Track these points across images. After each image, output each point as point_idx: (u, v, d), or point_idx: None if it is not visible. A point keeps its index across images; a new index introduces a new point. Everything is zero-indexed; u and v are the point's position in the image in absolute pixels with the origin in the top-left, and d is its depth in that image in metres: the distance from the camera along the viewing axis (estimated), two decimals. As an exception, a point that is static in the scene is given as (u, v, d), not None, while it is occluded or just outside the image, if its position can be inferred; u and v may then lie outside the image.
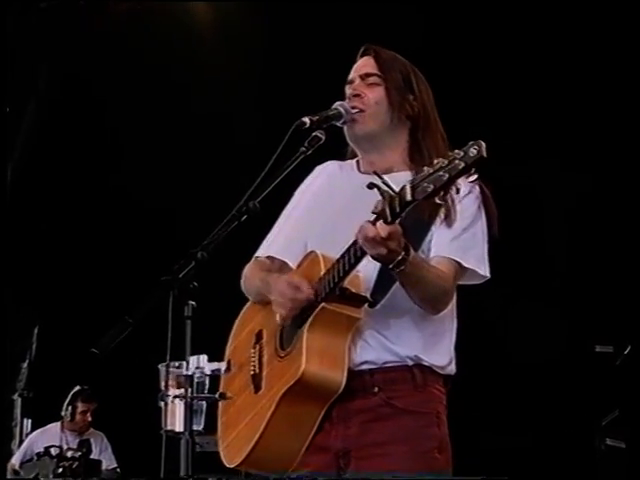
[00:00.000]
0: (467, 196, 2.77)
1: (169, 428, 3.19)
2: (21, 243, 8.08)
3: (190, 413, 2.82)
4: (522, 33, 6.77)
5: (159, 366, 3.58)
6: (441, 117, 2.93)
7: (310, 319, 2.69)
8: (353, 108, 2.85)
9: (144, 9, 7.64)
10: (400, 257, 2.51)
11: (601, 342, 6.39)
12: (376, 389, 2.73)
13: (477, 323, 5.12)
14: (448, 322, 2.85)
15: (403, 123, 2.88)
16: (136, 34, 7.64)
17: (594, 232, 7.04)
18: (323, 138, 2.77)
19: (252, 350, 2.91)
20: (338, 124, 2.84)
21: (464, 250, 2.76)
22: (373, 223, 2.47)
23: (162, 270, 2.59)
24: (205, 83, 7.74)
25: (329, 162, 3.05)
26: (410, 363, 2.75)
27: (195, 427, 2.90)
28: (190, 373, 2.78)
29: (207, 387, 3.09)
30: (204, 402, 3.08)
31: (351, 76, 2.95)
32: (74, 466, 7.27)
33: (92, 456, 7.69)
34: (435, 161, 2.38)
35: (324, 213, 2.92)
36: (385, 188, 2.45)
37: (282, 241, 2.98)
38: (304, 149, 2.75)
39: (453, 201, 2.70)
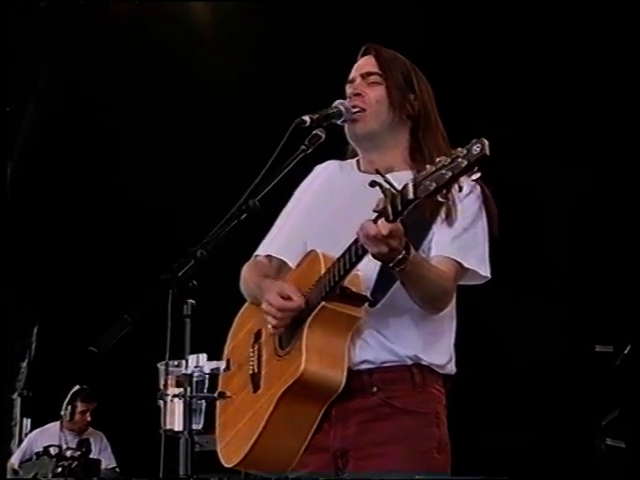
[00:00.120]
0: (468, 196, 2.76)
1: (168, 427, 3.19)
2: (21, 243, 8.08)
3: (189, 412, 2.81)
4: (522, 31, 6.77)
5: (158, 365, 3.59)
6: (441, 116, 2.92)
7: (310, 318, 2.68)
8: (354, 107, 2.85)
9: (144, 9, 7.65)
10: (401, 256, 2.50)
11: (601, 342, 6.38)
12: (375, 389, 2.72)
13: (477, 322, 5.12)
14: (448, 321, 2.84)
15: (404, 122, 2.88)
16: (136, 34, 7.65)
17: (594, 230, 7.03)
18: (323, 136, 2.76)
19: (251, 349, 2.89)
20: (338, 122, 2.83)
21: (465, 250, 2.75)
22: (375, 221, 2.46)
23: (161, 269, 2.58)
24: (205, 83, 7.74)
25: (329, 162, 3.05)
26: (409, 362, 2.73)
27: (194, 426, 2.90)
28: (189, 372, 2.77)
29: (206, 386, 3.08)
30: (203, 401, 3.07)
31: (352, 75, 2.95)
32: (73, 465, 7.26)
33: (91, 455, 7.67)
34: (437, 159, 2.36)
35: (324, 212, 2.91)
36: (387, 186, 2.43)
37: (281, 240, 2.97)
38: (304, 147, 2.74)
39: (454, 200, 2.68)
